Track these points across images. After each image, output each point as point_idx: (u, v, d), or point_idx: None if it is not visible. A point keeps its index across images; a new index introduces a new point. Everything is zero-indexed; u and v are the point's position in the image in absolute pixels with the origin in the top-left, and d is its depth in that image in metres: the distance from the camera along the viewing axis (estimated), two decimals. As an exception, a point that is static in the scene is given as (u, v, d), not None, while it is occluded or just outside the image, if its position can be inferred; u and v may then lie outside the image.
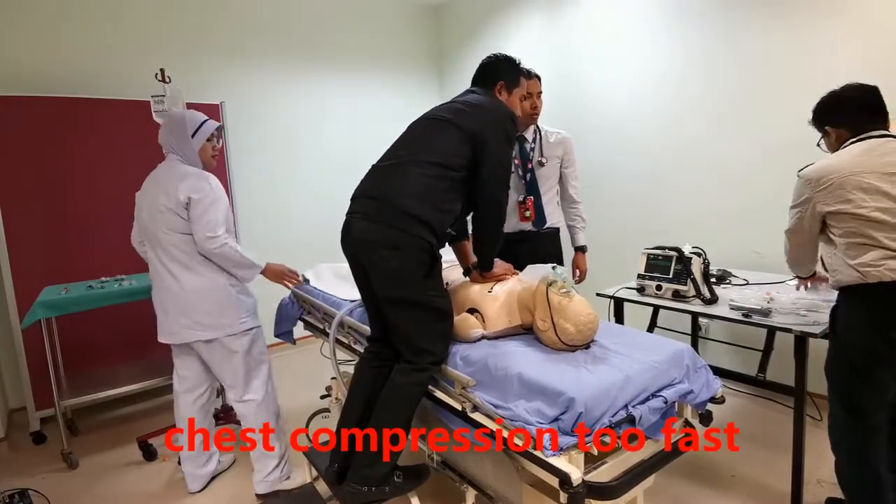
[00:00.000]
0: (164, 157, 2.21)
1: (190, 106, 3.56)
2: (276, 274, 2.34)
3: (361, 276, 1.80)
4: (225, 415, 2.93)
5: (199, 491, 2.40)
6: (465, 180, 1.76)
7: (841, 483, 1.76)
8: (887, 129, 1.68)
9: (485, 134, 1.74)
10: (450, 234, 1.87)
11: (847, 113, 1.72)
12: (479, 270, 1.96)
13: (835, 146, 1.75)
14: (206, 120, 2.21)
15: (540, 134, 2.65)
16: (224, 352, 2.21)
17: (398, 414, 1.69)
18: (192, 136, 2.16)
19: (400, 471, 1.75)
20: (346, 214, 1.79)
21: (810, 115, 1.83)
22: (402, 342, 1.73)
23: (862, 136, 1.67)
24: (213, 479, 2.47)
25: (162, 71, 2.52)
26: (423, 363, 1.68)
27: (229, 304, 2.18)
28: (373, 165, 1.83)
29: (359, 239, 1.72)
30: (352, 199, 1.80)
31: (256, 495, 2.32)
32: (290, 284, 2.44)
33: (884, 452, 1.68)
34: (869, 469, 1.66)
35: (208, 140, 2.21)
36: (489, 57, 2.03)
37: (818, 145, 1.84)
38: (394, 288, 1.68)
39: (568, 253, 2.80)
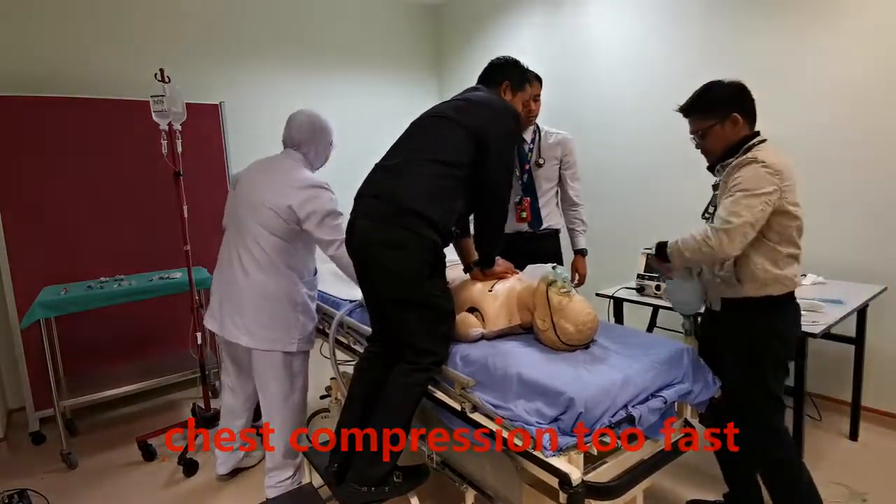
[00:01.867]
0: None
1: (190, 106, 3.54)
2: None
3: (366, 276, 1.79)
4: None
5: (226, 474, 2.43)
6: (468, 178, 1.75)
7: (791, 481, 1.77)
8: None
9: (487, 131, 1.74)
10: (454, 233, 1.86)
11: (752, 104, 1.68)
12: (481, 267, 1.96)
13: (730, 138, 1.68)
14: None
15: (539, 135, 2.63)
16: (264, 365, 2.15)
17: (398, 414, 1.68)
18: (330, 144, 2.28)
19: (399, 471, 1.75)
20: (351, 215, 1.78)
21: (689, 100, 1.72)
22: (404, 342, 1.73)
23: (758, 134, 1.68)
24: (238, 471, 2.48)
25: (161, 71, 2.51)
26: (424, 363, 1.68)
27: (285, 321, 2.12)
28: (376, 164, 1.81)
29: (363, 239, 1.71)
30: (356, 199, 1.79)
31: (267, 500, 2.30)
32: None
33: None
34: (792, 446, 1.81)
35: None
36: (498, 58, 2.04)
37: (696, 133, 1.74)
38: (398, 288, 1.68)
39: (568, 256, 2.78)
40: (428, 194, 1.67)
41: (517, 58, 2.03)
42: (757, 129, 1.71)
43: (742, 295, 1.70)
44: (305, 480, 2.20)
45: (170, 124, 2.53)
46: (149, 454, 2.71)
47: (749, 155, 1.62)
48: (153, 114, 2.48)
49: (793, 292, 1.72)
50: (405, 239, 1.63)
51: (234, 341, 2.12)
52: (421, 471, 1.81)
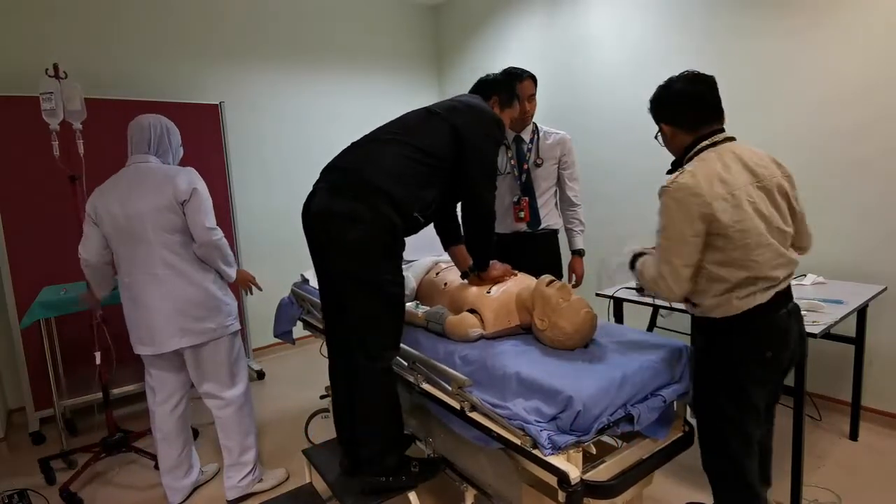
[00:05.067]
0: (128, 157, 2.19)
1: (189, 106, 3.57)
2: (244, 279, 2.33)
3: (318, 249, 1.77)
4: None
5: (181, 503, 2.34)
6: (443, 171, 1.77)
7: None
8: (722, 128, 1.55)
9: (469, 131, 1.77)
10: (418, 223, 1.82)
11: (678, 111, 1.57)
12: (476, 271, 1.96)
13: (671, 144, 1.62)
14: None
15: (538, 135, 2.63)
16: (210, 356, 2.18)
17: (378, 414, 1.71)
18: (181, 145, 2.27)
19: (417, 461, 1.79)
20: (314, 185, 1.77)
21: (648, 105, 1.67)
22: (351, 329, 1.73)
23: (702, 139, 1.52)
24: (194, 489, 2.41)
25: (55, 66, 2.35)
26: (371, 354, 1.68)
27: (217, 308, 2.17)
28: (353, 142, 1.82)
29: (319, 210, 1.69)
30: (322, 171, 1.79)
31: (227, 501, 2.29)
32: (255, 290, 2.39)
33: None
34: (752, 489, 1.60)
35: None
36: (487, 75, 2.10)
37: (655, 138, 1.69)
38: (348, 262, 1.64)
39: (566, 256, 2.78)
40: (392, 172, 1.67)
41: (515, 62, 2.07)
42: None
43: (699, 314, 1.58)
44: (305, 480, 2.20)
45: (69, 123, 2.37)
46: (50, 478, 2.55)
47: (670, 180, 1.47)
48: (42, 112, 2.29)
49: (756, 312, 1.47)
50: (362, 212, 1.61)
51: (176, 348, 2.12)
52: (437, 462, 1.85)
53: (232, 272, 2.22)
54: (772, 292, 1.47)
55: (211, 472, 2.52)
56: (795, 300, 1.89)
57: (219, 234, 2.10)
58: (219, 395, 2.24)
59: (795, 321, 1.57)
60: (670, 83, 1.59)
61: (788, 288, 1.55)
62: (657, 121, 1.63)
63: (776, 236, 1.46)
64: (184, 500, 2.35)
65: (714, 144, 1.51)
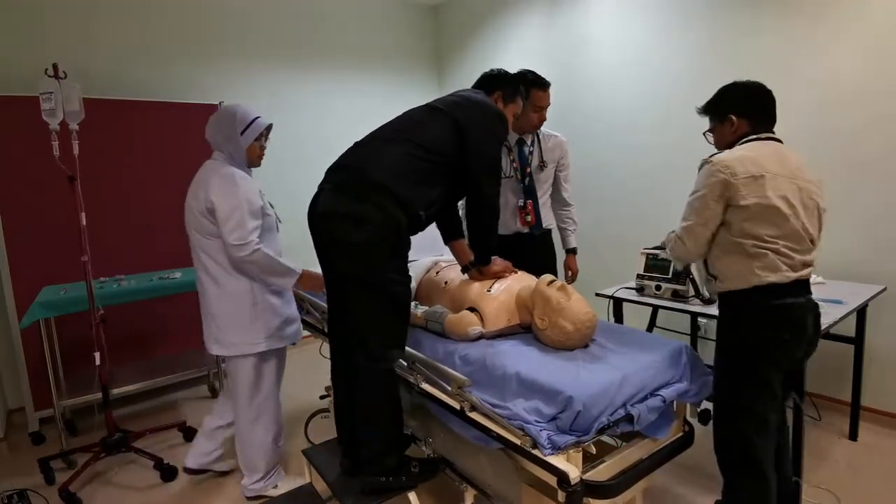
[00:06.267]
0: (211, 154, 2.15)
1: (189, 106, 3.57)
2: (312, 282, 2.15)
3: (324, 249, 1.77)
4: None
5: (191, 469, 2.38)
6: (448, 168, 1.76)
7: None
8: (773, 131, 1.72)
9: (472, 126, 1.76)
10: (423, 221, 1.81)
11: (758, 109, 1.72)
12: (477, 266, 1.96)
13: (728, 137, 1.73)
14: (258, 117, 2.11)
15: (538, 136, 2.65)
16: (233, 371, 2.16)
17: (378, 415, 1.71)
18: (242, 133, 2.07)
19: (417, 462, 1.79)
20: (319, 186, 1.77)
21: (704, 102, 1.81)
22: (352, 329, 1.73)
23: (757, 135, 1.68)
24: (206, 471, 2.44)
25: (55, 66, 2.34)
26: (373, 355, 1.68)
27: (244, 323, 2.09)
28: (356, 142, 1.81)
29: (324, 211, 1.69)
30: (326, 171, 1.79)
31: (247, 498, 2.32)
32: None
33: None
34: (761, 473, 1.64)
35: (257, 139, 2.12)
36: (491, 70, 2.09)
37: (704, 135, 1.84)
38: (351, 263, 1.65)
39: (560, 255, 2.81)
40: (396, 170, 1.66)
41: (514, 62, 2.06)
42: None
43: (722, 289, 1.66)
44: (305, 480, 2.20)
45: (66, 124, 2.35)
46: (50, 478, 2.54)
47: (712, 155, 1.66)
48: (42, 112, 2.27)
49: (777, 292, 1.56)
50: (368, 213, 1.61)
51: (210, 351, 2.17)
52: (437, 463, 1.85)
53: (283, 282, 2.08)
54: (792, 277, 1.56)
55: (225, 467, 2.51)
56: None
57: (247, 249, 1.95)
58: (233, 409, 2.22)
59: (812, 315, 1.63)
60: (742, 83, 1.72)
61: (807, 283, 1.62)
62: (724, 112, 1.73)
63: (798, 226, 1.58)
64: (195, 469, 2.39)
65: (759, 139, 1.66)
